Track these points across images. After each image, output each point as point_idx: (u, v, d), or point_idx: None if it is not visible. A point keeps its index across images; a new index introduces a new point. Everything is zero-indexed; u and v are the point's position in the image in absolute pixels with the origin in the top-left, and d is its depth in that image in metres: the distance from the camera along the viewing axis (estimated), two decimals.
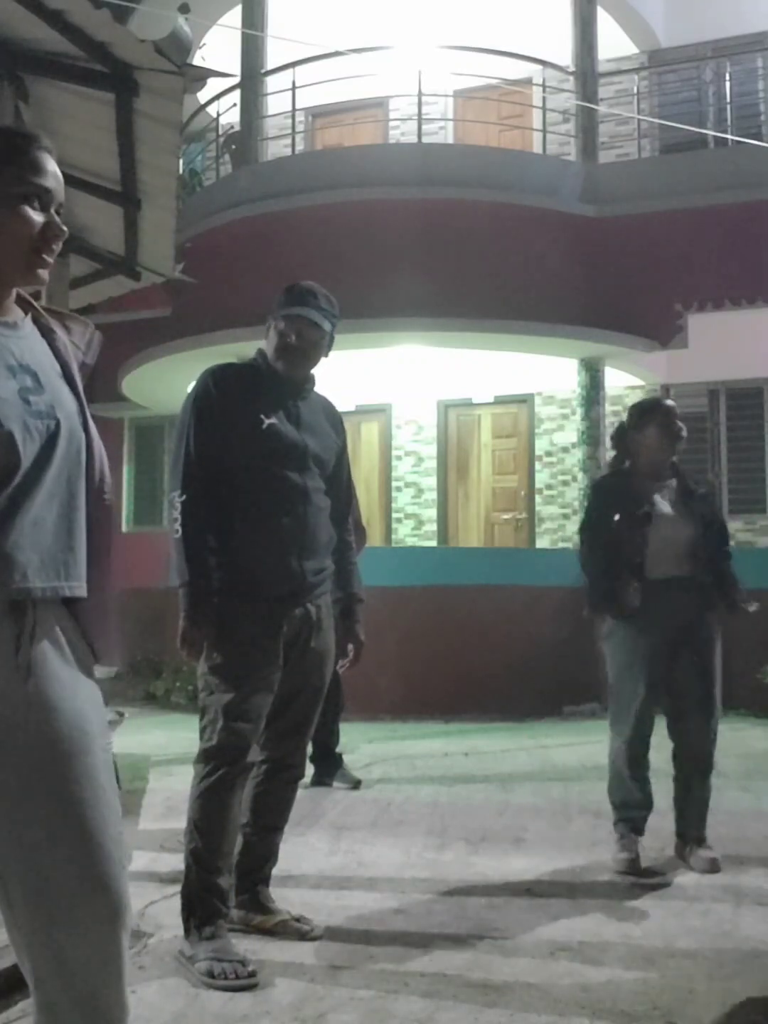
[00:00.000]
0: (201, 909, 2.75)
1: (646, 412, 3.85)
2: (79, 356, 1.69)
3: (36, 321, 1.65)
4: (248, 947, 2.83)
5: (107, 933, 1.54)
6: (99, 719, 1.63)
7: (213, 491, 2.84)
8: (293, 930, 2.93)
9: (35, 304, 1.66)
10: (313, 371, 3.04)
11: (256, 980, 2.58)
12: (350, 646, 3.13)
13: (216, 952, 2.65)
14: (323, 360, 3.06)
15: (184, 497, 2.80)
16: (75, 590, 1.59)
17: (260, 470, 2.86)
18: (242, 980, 2.58)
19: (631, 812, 3.75)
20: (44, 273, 1.60)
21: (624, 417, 4.01)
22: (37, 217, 1.57)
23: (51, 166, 1.59)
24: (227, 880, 2.82)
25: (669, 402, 3.90)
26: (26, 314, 1.64)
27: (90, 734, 1.58)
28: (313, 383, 3.06)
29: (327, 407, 3.13)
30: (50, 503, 1.55)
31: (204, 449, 2.85)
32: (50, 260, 1.59)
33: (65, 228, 1.60)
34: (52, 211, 1.59)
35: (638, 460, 3.85)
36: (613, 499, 3.80)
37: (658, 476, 3.83)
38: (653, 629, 3.65)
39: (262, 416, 2.87)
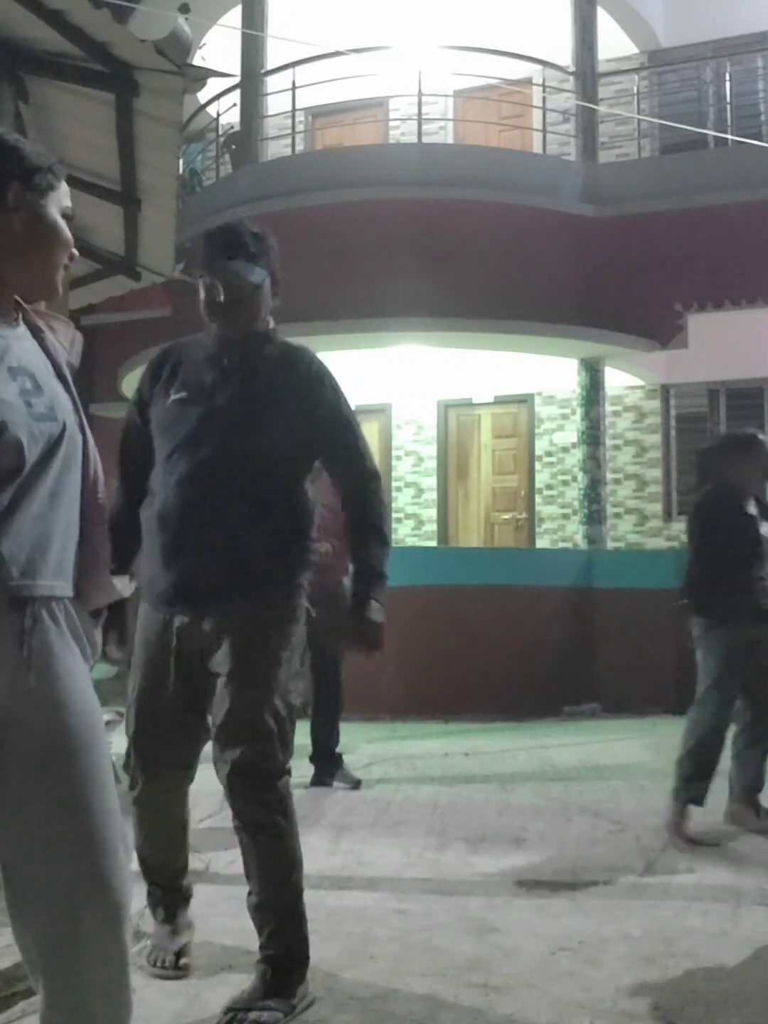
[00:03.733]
0: (150, 899, 2.83)
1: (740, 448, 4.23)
2: (66, 355, 1.72)
3: (25, 320, 1.69)
4: (247, 946, 2.83)
5: (110, 932, 1.55)
6: (100, 716, 1.66)
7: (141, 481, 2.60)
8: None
9: (23, 304, 1.69)
10: (262, 324, 2.60)
11: (184, 973, 2.65)
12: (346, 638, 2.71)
13: (158, 938, 2.76)
14: (269, 305, 2.62)
15: (116, 485, 2.63)
16: (65, 590, 1.61)
17: (161, 454, 2.54)
18: (168, 969, 2.65)
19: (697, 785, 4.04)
20: (61, 286, 1.68)
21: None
22: (70, 235, 1.66)
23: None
24: (169, 879, 2.81)
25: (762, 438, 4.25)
26: (17, 315, 1.67)
27: (97, 734, 1.61)
28: (265, 336, 2.60)
29: (289, 361, 2.58)
30: (50, 502, 1.58)
31: (127, 435, 2.69)
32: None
33: (76, 251, 1.70)
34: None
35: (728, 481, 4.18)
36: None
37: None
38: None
39: (172, 392, 2.56)
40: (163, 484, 2.52)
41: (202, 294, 2.56)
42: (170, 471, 2.51)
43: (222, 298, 2.53)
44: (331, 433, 2.59)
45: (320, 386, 2.58)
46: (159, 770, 2.63)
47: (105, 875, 1.54)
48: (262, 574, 2.49)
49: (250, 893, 2.52)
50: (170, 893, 2.84)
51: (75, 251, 1.67)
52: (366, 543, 2.61)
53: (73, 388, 1.68)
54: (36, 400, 1.57)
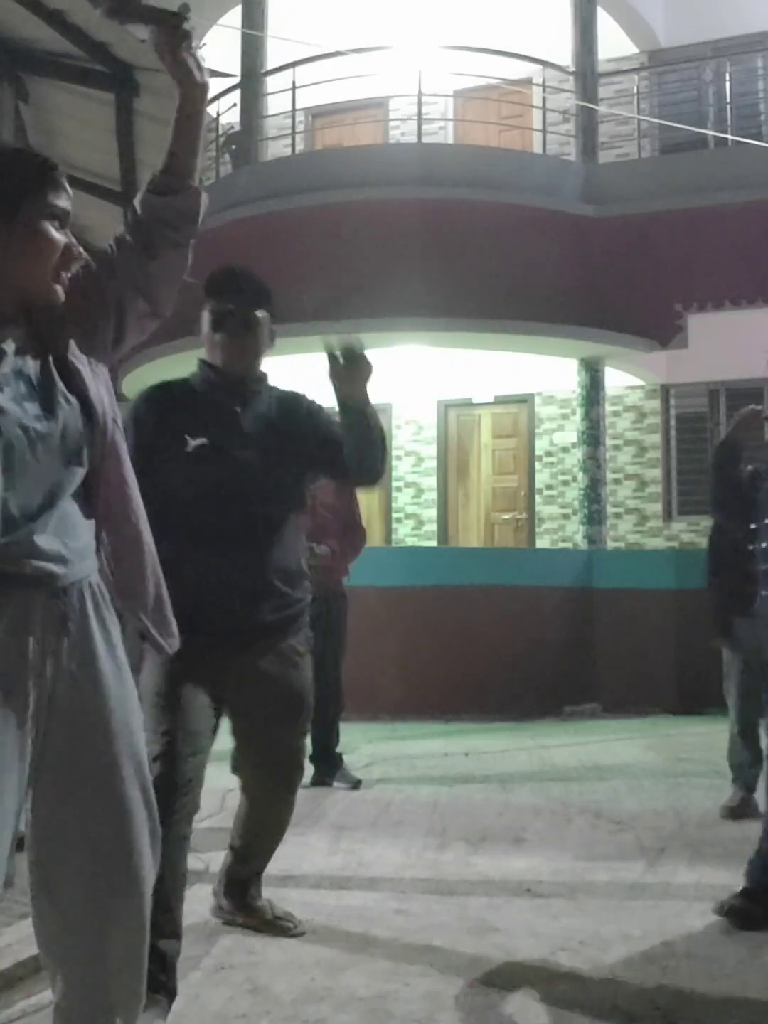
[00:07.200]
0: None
1: None
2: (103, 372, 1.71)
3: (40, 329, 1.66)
4: (247, 945, 2.84)
5: (134, 917, 1.62)
6: (136, 700, 1.72)
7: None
8: (278, 928, 2.93)
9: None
10: (261, 369, 2.73)
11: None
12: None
13: None
14: (267, 354, 2.75)
15: None
16: (94, 572, 1.65)
17: (189, 501, 2.50)
18: None
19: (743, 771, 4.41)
20: (62, 291, 1.63)
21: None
22: (60, 238, 1.61)
23: (67, 188, 1.65)
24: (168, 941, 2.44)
25: None
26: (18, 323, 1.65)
27: (135, 718, 1.67)
28: (261, 381, 2.73)
29: (283, 401, 2.75)
30: (70, 495, 1.61)
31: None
32: (67, 279, 1.64)
33: (83, 251, 1.64)
34: (67, 231, 1.64)
35: None
36: None
37: None
38: None
39: (187, 437, 2.51)
40: (204, 536, 2.51)
41: (209, 325, 2.68)
42: (206, 523, 2.52)
43: (231, 315, 2.67)
44: (321, 433, 2.72)
45: (318, 413, 2.78)
46: (195, 798, 2.55)
47: (136, 862, 1.60)
48: (287, 613, 2.67)
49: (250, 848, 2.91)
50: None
51: (82, 252, 1.63)
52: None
53: (89, 389, 1.65)
54: (30, 404, 1.57)
